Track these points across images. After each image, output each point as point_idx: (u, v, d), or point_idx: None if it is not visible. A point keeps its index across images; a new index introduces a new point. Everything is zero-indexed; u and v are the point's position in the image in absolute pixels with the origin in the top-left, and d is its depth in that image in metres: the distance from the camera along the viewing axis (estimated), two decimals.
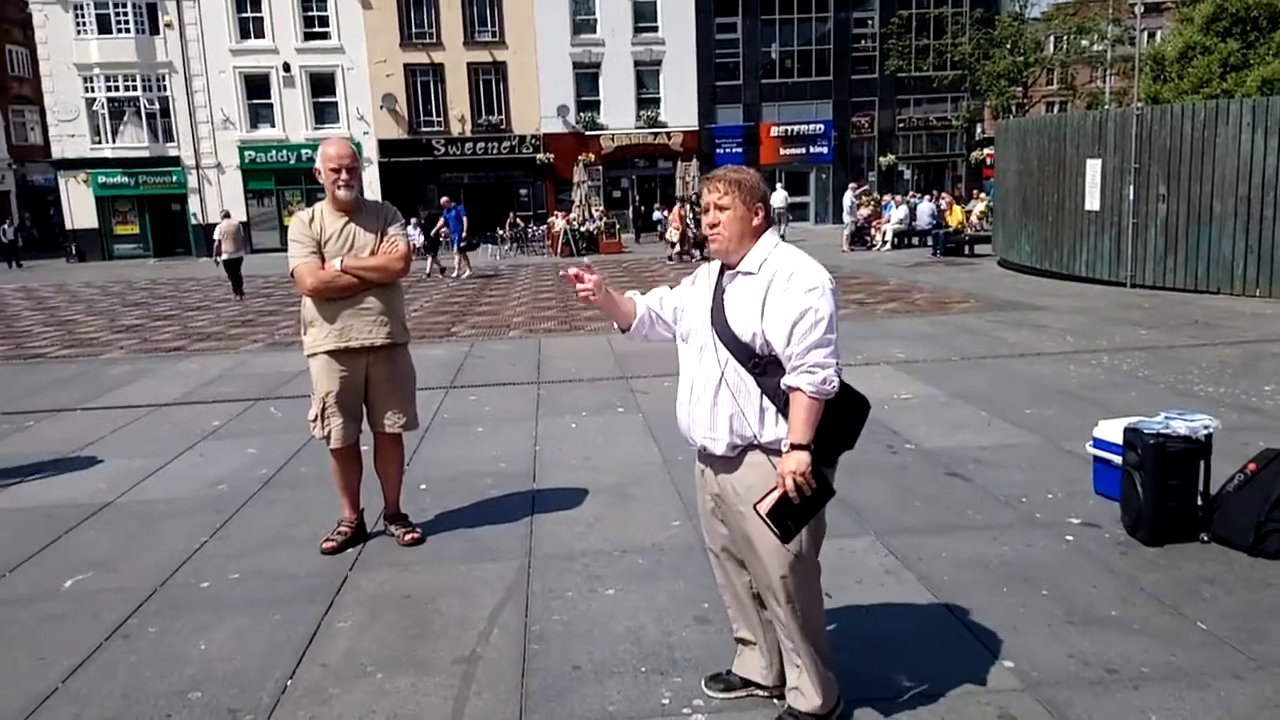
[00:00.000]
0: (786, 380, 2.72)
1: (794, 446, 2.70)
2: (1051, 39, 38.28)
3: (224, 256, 19.36)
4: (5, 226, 34.60)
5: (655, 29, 37.27)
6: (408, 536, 4.83)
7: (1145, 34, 34.04)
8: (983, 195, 28.21)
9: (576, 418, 7.52)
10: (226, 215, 21.58)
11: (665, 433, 6.87)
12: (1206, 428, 4.55)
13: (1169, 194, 13.69)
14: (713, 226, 2.86)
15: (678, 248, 25.31)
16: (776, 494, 2.71)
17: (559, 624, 3.86)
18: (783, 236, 3.03)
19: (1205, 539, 4.42)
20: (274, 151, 35.92)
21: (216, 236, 19.81)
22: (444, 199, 23.89)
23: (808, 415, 2.70)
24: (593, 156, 36.77)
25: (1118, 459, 4.76)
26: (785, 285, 2.74)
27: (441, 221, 23.29)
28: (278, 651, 3.71)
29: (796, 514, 2.73)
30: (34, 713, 3.33)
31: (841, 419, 2.79)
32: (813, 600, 2.93)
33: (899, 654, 3.48)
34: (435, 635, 3.81)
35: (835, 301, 2.77)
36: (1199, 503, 4.51)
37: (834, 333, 2.73)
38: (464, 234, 22.09)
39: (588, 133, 37.08)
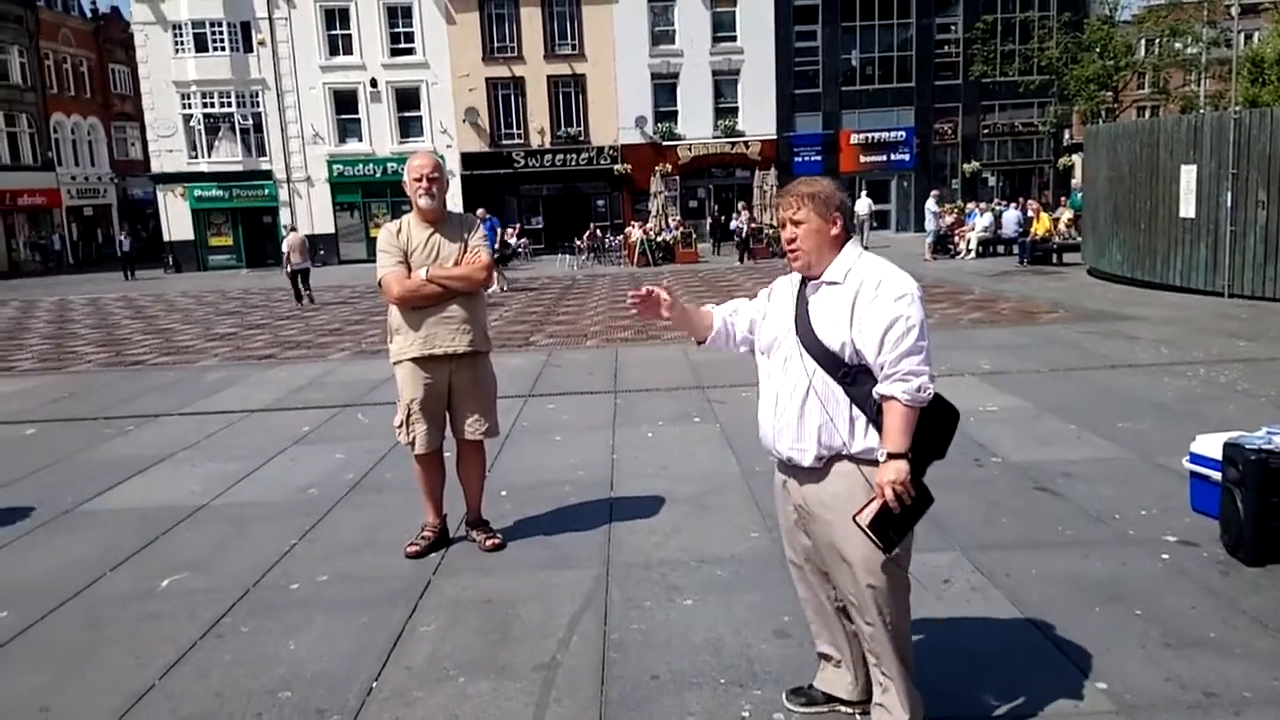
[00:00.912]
0: (880, 389, 2.70)
1: (891, 455, 2.67)
2: (1143, 42, 37.14)
3: (291, 267, 20.74)
4: (122, 237, 35.61)
5: (734, 38, 37.22)
6: (489, 542, 4.89)
7: (1242, 35, 32.81)
8: (1066, 203, 27.50)
9: (653, 427, 7.53)
10: (294, 229, 23.39)
11: (743, 443, 6.84)
12: None
13: (1269, 200, 13.15)
14: (790, 243, 2.85)
15: None
16: (877, 504, 2.68)
17: (637, 633, 3.86)
18: (866, 246, 2.99)
19: None
20: (361, 165, 36.83)
21: (285, 249, 21.32)
22: (479, 210, 23.93)
23: (904, 424, 2.67)
24: (670, 167, 36.78)
25: (1217, 475, 4.58)
26: (874, 293, 2.72)
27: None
28: (364, 653, 3.79)
29: (898, 523, 2.71)
30: (131, 709, 3.45)
31: (933, 427, 2.75)
32: (901, 613, 2.88)
33: (986, 672, 3.40)
34: (516, 641, 3.84)
35: (924, 309, 2.75)
36: None
37: (925, 340, 2.71)
38: (497, 246, 21.39)
39: (665, 143, 37.17)
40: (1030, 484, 5.61)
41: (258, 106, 36.62)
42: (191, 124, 36.30)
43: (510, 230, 33.34)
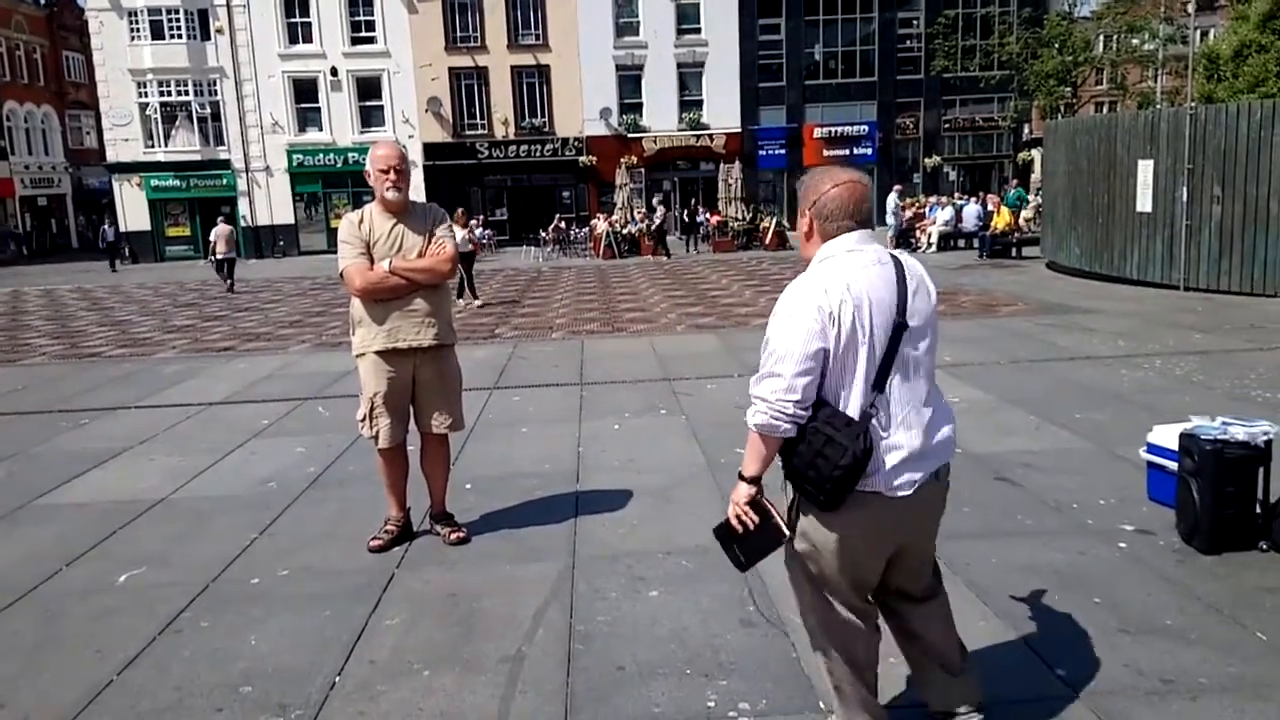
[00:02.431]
0: None
1: (740, 476, 2.62)
2: (1101, 38, 37.63)
3: (219, 256, 22.46)
4: (105, 227, 34.14)
5: (698, 30, 37.23)
6: (454, 536, 4.86)
7: (1198, 32, 33.35)
8: (1026, 198, 27.82)
9: (620, 419, 7.53)
10: (221, 220, 25.02)
11: (708, 434, 6.86)
12: (1266, 434, 4.44)
13: (1224, 195, 13.40)
14: None
15: None
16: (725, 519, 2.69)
17: (603, 625, 3.86)
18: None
19: (1264, 547, 4.32)
20: (321, 155, 36.40)
21: (212, 238, 22.90)
22: (349, 206, 23.63)
23: (751, 447, 2.57)
24: (635, 159, 36.79)
25: (1173, 465, 4.66)
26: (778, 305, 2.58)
27: None
28: (326, 648, 3.76)
29: (744, 546, 2.69)
30: (90, 704, 3.40)
31: (812, 467, 2.51)
32: (818, 635, 2.81)
33: None
34: (481, 634, 3.83)
35: (812, 333, 2.45)
36: (1257, 511, 4.40)
37: (789, 366, 2.45)
38: None
39: (630, 135, 37.13)
40: (991, 475, 5.67)
41: (215, 95, 36.07)
42: (148, 113, 35.67)
43: (475, 221, 33.19)
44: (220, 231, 22.75)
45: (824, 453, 2.48)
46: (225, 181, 36.49)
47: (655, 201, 30.37)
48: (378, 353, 4.58)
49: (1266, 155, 12.86)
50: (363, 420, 4.71)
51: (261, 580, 4.50)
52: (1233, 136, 13.26)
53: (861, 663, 2.78)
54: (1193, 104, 16.34)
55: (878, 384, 2.52)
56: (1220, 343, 9.87)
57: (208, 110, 36.13)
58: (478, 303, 16.57)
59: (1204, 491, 4.33)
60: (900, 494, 2.56)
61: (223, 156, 36.36)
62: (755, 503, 2.62)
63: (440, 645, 3.75)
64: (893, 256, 2.61)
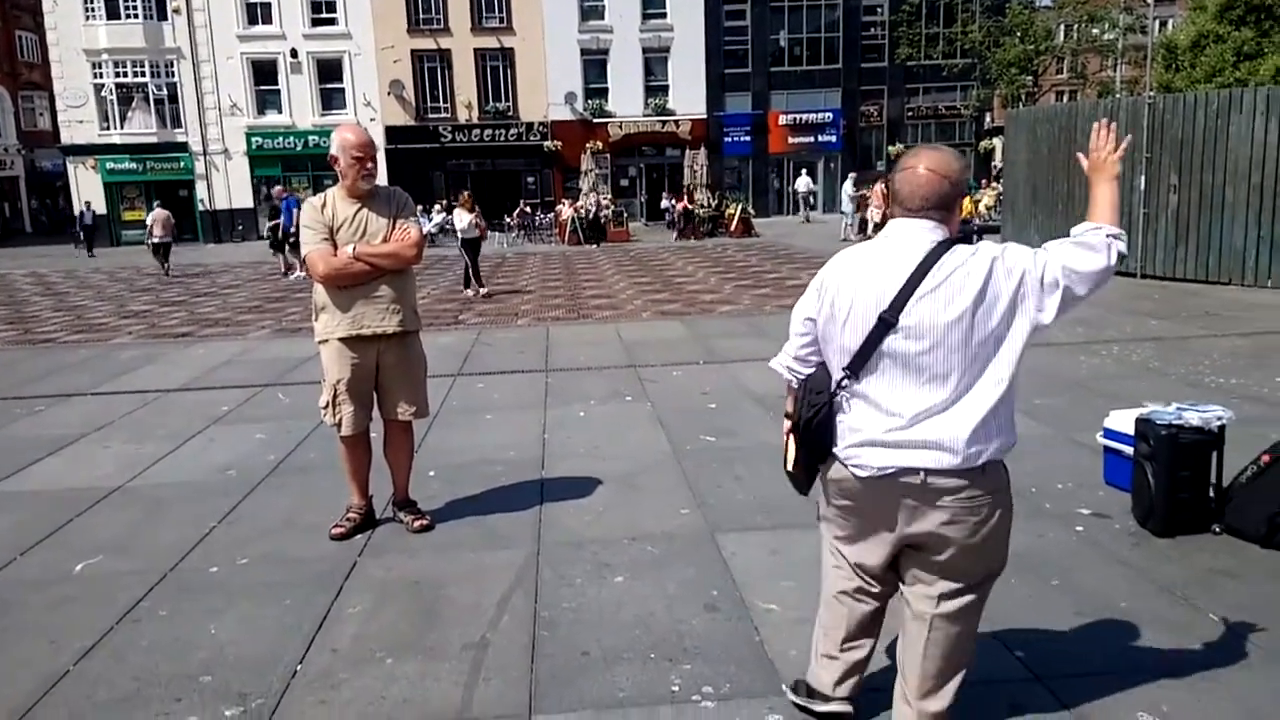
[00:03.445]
0: None
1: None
2: (1062, 27, 38.04)
3: (155, 240, 22.44)
4: (83, 210, 32.58)
5: (664, 15, 37.14)
6: (417, 523, 4.83)
7: (1157, 22, 33.81)
8: (994, 187, 28.09)
9: (585, 406, 7.52)
10: (158, 204, 25.34)
11: (674, 421, 6.88)
12: (1219, 419, 4.52)
13: (1180, 184, 13.62)
14: None
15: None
16: None
17: (569, 611, 3.86)
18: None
19: (1217, 531, 4.41)
20: (281, 138, 35.94)
21: (149, 222, 23.18)
22: (277, 188, 22.86)
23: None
24: (600, 144, 36.68)
25: (1129, 450, 4.74)
26: None
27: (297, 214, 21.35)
28: (287, 636, 3.72)
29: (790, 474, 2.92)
30: (46, 694, 3.34)
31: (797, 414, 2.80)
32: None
33: None
34: (445, 621, 3.81)
35: (808, 301, 2.74)
36: (1211, 494, 4.49)
37: (791, 327, 2.81)
38: (294, 226, 19.71)
39: (595, 120, 36.99)
40: None
41: (173, 77, 35.46)
42: (103, 94, 35.00)
43: (438, 206, 32.92)
44: (156, 216, 22.78)
45: (800, 406, 2.78)
46: (183, 165, 35.92)
47: (585, 188, 29.79)
48: (341, 339, 4.53)
49: (1222, 145, 13.08)
50: (325, 407, 4.66)
51: (221, 569, 4.45)
52: (1190, 126, 13.46)
53: (829, 631, 2.91)
54: (1151, 93, 16.56)
55: (852, 366, 2.58)
56: (1176, 329, 10.04)
57: (164, 92, 35.54)
58: (483, 291, 15.70)
59: (1159, 475, 4.41)
60: (859, 473, 2.62)
61: (180, 139, 35.78)
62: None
63: (403, 633, 3.73)
64: (931, 253, 2.52)
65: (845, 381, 2.62)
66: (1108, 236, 2.56)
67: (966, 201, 23.77)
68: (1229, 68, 20.46)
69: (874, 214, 24.22)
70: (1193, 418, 4.50)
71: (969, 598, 2.69)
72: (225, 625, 3.85)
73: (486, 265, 21.79)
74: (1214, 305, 11.54)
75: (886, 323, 2.51)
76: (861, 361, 2.57)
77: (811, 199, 35.41)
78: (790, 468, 2.86)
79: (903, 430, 2.55)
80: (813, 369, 2.74)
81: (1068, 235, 2.64)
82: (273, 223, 21.72)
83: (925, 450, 2.53)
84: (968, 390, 2.52)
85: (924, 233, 2.55)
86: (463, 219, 15.78)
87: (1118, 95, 31.57)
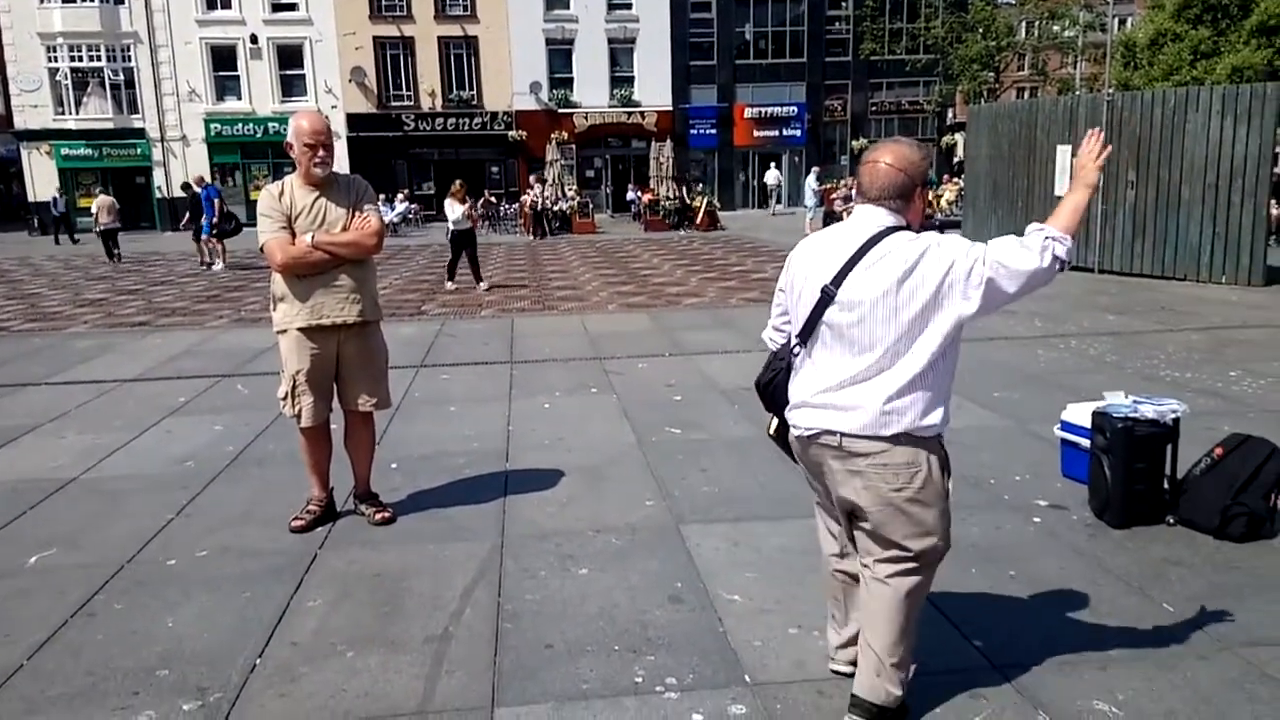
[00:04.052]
0: None
1: None
2: (1024, 24, 38.44)
3: (101, 227, 22.10)
4: (54, 197, 31.36)
5: (629, 6, 37.06)
6: (378, 515, 4.79)
7: (1116, 20, 34.27)
8: (955, 182, 28.35)
9: (550, 398, 7.49)
10: (101, 191, 25.72)
11: (639, 413, 6.87)
12: (1174, 412, 4.60)
13: (1138, 180, 13.83)
14: None
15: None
16: None
17: (532, 603, 3.84)
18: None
19: (1171, 522, 4.49)
20: (240, 124, 35.43)
21: (95, 209, 22.77)
22: (197, 176, 22.27)
23: None
24: (566, 135, 36.55)
25: (1086, 442, 4.81)
26: None
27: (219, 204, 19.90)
28: (247, 629, 3.68)
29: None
30: None
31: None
32: None
33: None
34: (407, 614, 3.78)
35: (782, 275, 3.03)
36: (1165, 486, 4.57)
37: (774, 300, 3.12)
38: (215, 218, 19.54)
39: (561, 110, 36.84)
40: None
41: (130, 61, 34.81)
42: (58, 78, 34.29)
43: (400, 195, 32.66)
44: (102, 203, 22.50)
45: (763, 371, 3.09)
46: (140, 151, 35.30)
47: (533, 180, 29.24)
48: (300, 329, 4.47)
49: (1179, 141, 13.29)
50: (284, 398, 4.60)
51: (178, 562, 4.38)
52: (1147, 123, 13.67)
53: (830, 599, 3.23)
54: (1110, 91, 16.78)
55: (801, 334, 2.86)
56: (1132, 324, 10.20)
57: (121, 77, 34.89)
58: (484, 286, 14.91)
59: (1115, 468, 4.48)
60: (794, 432, 2.93)
61: (137, 125, 35.15)
62: None
63: (365, 626, 3.70)
64: (875, 236, 2.72)
65: (796, 349, 2.90)
66: (1047, 238, 2.67)
67: (928, 195, 24.00)
68: (1186, 66, 20.81)
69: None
70: (1148, 411, 4.58)
71: (903, 567, 2.83)
72: (183, 619, 3.79)
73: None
74: (1169, 300, 11.74)
75: (828, 295, 2.76)
76: (809, 331, 2.82)
77: (778, 192, 35.54)
78: (770, 432, 3.14)
79: (827, 393, 2.79)
80: (787, 338, 3.01)
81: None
82: (189, 215, 21.02)
83: (840, 412, 2.76)
84: (891, 364, 2.71)
85: (878, 218, 2.77)
86: (455, 210, 14.90)
87: (1078, 92, 32.00)
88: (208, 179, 22.18)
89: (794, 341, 2.89)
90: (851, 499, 2.80)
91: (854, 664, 3.01)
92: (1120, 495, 4.48)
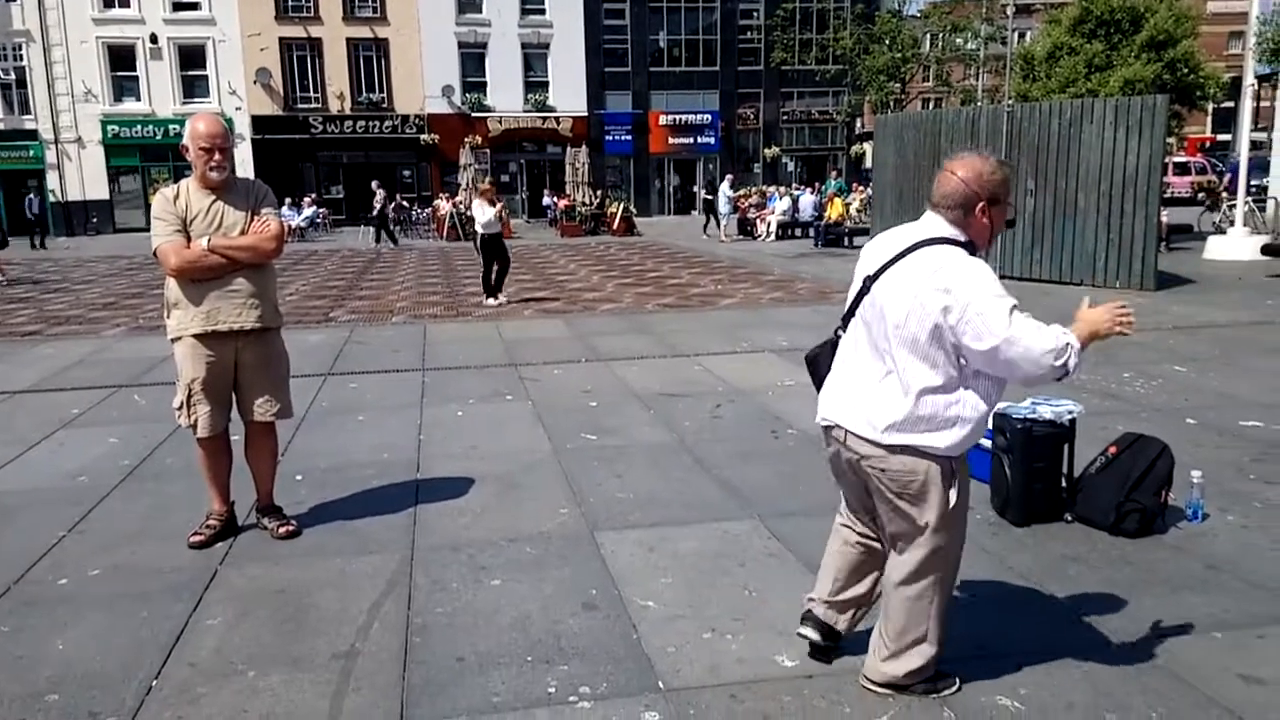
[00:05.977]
0: None
1: None
2: (928, 36, 39.48)
3: None
4: (31, 198, 29.84)
5: (543, 11, 36.96)
6: (282, 529, 4.64)
7: (1016, 34, 35.41)
8: (861, 189, 28.92)
9: (463, 406, 7.39)
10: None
11: (554, 420, 6.83)
12: (1071, 413, 4.76)
13: (1036, 188, 14.30)
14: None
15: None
16: None
17: (443, 616, 3.77)
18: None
19: (1069, 519, 4.63)
20: (139, 126, 34.24)
21: None
22: None
23: None
24: (480, 139, 36.26)
25: (987, 443, 4.92)
26: None
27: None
28: (142, 650, 3.53)
29: None
30: None
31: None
32: None
33: (784, 633, 3.52)
34: (311, 631, 3.67)
35: None
36: (1063, 485, 4.71)
37: None
38: None
39: (474, 114, 36.52)
40: (820, 453, 5.84)
41: (21, 60, 33.39)
42: None
43: (308, 199, 31.96)
44: None
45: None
46: (32, 153, 33.85)
47: (375, 185, 27.89)
48: (195, 336, 4.31)
49: (1075, 151, 13.79)
50: (179, 408, 4.44)
51: (70, 580, 4.19)
52: (1045, 133, 14.16)
53: (823, 564, 3.36)
54: (1010, 102, 17.33)
55: (844, 319, 3.00)
56: None
57: (12, 76, 33.46)
58: (501, 300, 13.27)
59: (1015, 467, 4.61)
60: (816, 417, 3.09)
61: (29, 126, 33.72)
62: None
63: (267, 644, 3.58)
64: (919, 243, 2.83)
65: (838, 332, 3.03)
66: (1068, 344, 2.81)
67: (839, 203, 24.45)
68: (1081, 78, 21.59)
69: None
70: (1046, 412, 4.72)
71: (911, 558, 2.95)
72: (74, 640, 3.62)
73: (360, 261, 21.26)
74: (1067, 305, 12.11)
75: (866, 286, 2.89)
76: (848, 318, 2.97)
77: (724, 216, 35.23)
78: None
79: (842, 388, 2.96)
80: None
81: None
82: None
83: (848, 410, 2.92)
84: (898, 374, 2.79)
85: (933, 226, 2.87)
86: (485, 212, 13.08)
87: (979, 103, 32.98)
88: None
89: (838, 325, 3.02)
90: (859, 489, 3.03)
91: (821, 624, 3.23)
92: (1020, 494, 4.61)
